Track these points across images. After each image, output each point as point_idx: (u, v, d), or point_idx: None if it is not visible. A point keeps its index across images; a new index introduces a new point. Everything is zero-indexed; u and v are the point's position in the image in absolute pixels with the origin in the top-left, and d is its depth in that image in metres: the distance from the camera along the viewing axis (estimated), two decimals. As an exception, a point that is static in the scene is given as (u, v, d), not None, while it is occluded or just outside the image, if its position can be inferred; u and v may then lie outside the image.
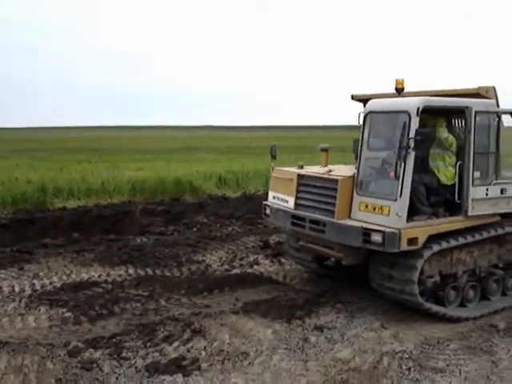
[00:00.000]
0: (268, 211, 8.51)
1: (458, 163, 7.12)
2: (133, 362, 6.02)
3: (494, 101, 7.24)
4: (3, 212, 13.90)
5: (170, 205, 15.82)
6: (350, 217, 7.18)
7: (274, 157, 8.59)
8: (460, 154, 7.18)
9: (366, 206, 6.98)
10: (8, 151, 36.74)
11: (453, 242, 7.05)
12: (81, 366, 5.87)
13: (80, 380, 5.61)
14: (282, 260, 10.09)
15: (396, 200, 6.58)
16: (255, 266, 9.82)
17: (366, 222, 6.89)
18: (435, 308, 7.08)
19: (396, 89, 7.15)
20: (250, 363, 5.96)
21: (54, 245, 10.97)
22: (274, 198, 8.49)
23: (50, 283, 8.64)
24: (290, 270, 9.58)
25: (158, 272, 9.34)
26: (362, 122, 7.31)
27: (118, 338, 6.57)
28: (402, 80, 7.16)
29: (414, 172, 7.00)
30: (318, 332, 6.78)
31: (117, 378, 5.69)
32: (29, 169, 21.97)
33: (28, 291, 8.20)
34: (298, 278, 9.15)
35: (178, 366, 5.88)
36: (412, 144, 6.39)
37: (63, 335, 6.69)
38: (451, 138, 7.27)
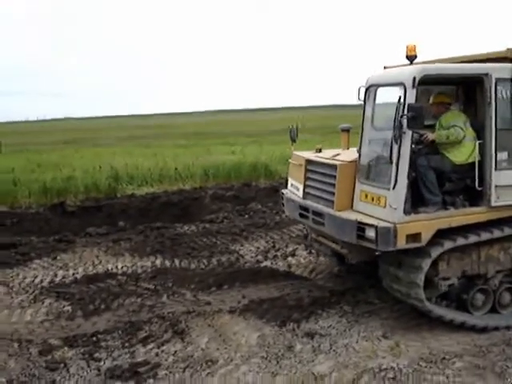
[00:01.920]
0: (284, 201, 7.78)
1: (477, 142, 5.90)
2: (101, 363, 5.71)
3: (522, 65, 5.88)
4: (72, 200, 14.32)
5: (241, 190, 15.44)
6: (352, 208, 6.28)
7: (293, 140, 7.80)
8: (481, 131, 5.93)
9: (366, 196, 6.05)
10: (113, 139, 38.64)
11: (473, 238, 5.87)
12: (46, 365, 5.67)
13: (33, 382, 5.41)
14: (321, 251, 9.27)
15: (392, 189, 5.59)
16: (289, 258, 9.11)
17: (366, 214, 5.97)
18: (450, 315, 5.99)
19: (407, 56, 6.04)
20: (211, 373, 5.39)
21: (97, 233, 11.03)
22: (291, 185, 7.73)
23: (73, 274, 8.60)
24: (322, 263, 8.76)
25: (182, 264, 8.98)
26: (362, 98, 6.32)
27: (99, 336, 6.30)
28: (414, 46, 6.02)
29: (419, 154, 5.96)
30: (308, 339, 6.01)
31: (76, 382, 5.43)
32: (123, 156, 22.73)
33: (44, 283, 8.23)
34: (326, 272, 8.32)
35: (135, 372, 5.47)
36: (405, 122, 5.34)
37: (50, 331, 6.55)
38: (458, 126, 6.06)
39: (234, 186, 16.00)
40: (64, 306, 7.28)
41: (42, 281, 8.34)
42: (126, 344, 6.11)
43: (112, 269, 8.82)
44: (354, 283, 7.63)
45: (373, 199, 5.89)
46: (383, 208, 5.69)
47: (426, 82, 5.63)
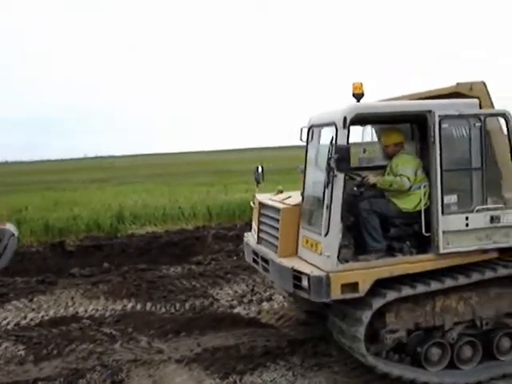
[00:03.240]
0: (244, 245, 7.50)
1: (422, 184, 5.53)
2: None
3: (474, 100, 5.51)
4: (73, 239, 14.33)
5: (243, 229, 15.16)
6: (297, 254, 5.95)
7: (258, 182, 7.53)
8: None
9: (307, 242, 5.72)
10: (141, 176, 39.05)
11: (421, 288, 5.44)
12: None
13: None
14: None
15: (325, 235, 5.25)
16: (264, 303, 8.77)
17: (307, 262, 5.64)
18: (397, 371, 5.52)
19: (353, 95, 5.74)
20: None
21: (81, 275, 10.94)
22: (252, 229, 7.46)
23: (42, 317, 8.50)
24: (294, 309, 8.34)
25: (153, 308, 8.75)
26: (305, 139, 6.06)
27: (40, 382, 6.16)
28: (361, 84, 5.73)
29: (363, 197, 5.63)
30: (245, 393, 5.65)
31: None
32: (140, 194, 22.85)
33: (10, 325, 8.13)
34: (295, 319, 7.90)
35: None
36: (333, 164, 5.04)
37: (-5, 377, 6.42)
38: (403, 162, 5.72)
39: (237, 225, 15.73)
40: (19, 350, 7.17)
41: (8, 323, 8.27)
42: (63, 394, 5.89)
43: (81, 312, 8.68)
44: (320, 332, 7.19)
45: (311, 245, 5.57)
46: (319, 255, 5.36)
47: (361, 122, 5.33)
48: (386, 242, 5.59)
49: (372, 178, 5.71)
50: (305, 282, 5.29)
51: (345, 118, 5.13)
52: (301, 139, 6.10)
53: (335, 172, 5.07)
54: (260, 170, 7.49)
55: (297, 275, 5.41)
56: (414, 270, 5.42)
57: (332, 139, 5.22)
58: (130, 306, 8.92)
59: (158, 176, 37.35)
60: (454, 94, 5.70)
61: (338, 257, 5.21)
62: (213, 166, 52.26)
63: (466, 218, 5.42)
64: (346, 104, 5.25)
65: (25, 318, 8.49)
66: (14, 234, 10.14)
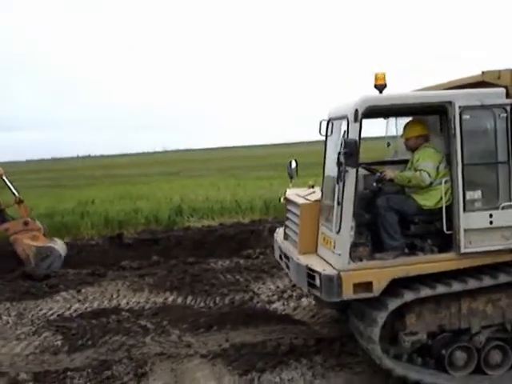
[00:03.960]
0: (274, 242, 7.41)
1: (444, 180, 5.21)
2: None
3: (499, 90, 5.13)
4: (131, 232, 14.73)
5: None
6: (316, 252, 5.81)
7: (291, 176, 7.42)
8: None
9: (324, 239, 5.57)
10: (212, 170, 39.61)
11: (441, 289, 5.15)
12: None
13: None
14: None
15: (337, 233, 5.09)
16: (303, 299, 8.64)
17: (324, 260, 5.49)
18: (416, 376, 5.26)
19: (375, 86, 5.49)
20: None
21: (130, 267, 11.24)
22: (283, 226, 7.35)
23: (86, 308, 8.80)
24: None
25: (192, 301, 8.85)
26: (324, 132, 5.88)
27: (69, 373, 6.34)
28: (383, 74, 5.48)
29: (381, 193, 5.41)
30: (261, 391, 5.60)
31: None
32: (206, 188, 23.19)
33: (54, 316, 8.47)
34: (329, 316, 7.74)
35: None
36: (343, 159, 4.86)
37: (29, 365, 6.68)
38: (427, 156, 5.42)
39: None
40: (56, 340, 7.43)
41: (52, 314, 8.60)
42: (88, 383, 6.07)
43: (123, 304, 8.90)
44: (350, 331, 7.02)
45: (327, 243, 5.41)
46: (332, 253, 5.20)
47: (377, 115, 5.09)
48: (404, 240, 5.33)
49: (390, 173, 5.46)
50: (317, 281, 5.16)
51: (356, 111, 4.92)
52: (320, 133, 5.92)
53: (345, 167, 4.89)
54: (294, 164, 7.36)
55: (310, 273, 5.28)
56: (432, 269, 5.14)
57: (344, 133, 5.03)
58: (171, 298, 9.06)
59: (227, 170, 37.75)
60: (479, 83, 5.33)
61: (350, 255, 5.03)
62: (265, 160, 51.95)
63: (490, 216, 5.07)
64: (358, 96, 5.03)
65: (69, 309, 8.81)
66: (61, 255, 10.65)
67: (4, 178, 11.44)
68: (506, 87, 5.25)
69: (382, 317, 5.09)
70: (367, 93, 5.09)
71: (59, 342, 7.34)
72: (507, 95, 5.22)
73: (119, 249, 13.41)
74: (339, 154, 4.87)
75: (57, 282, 10.25)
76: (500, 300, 5.45)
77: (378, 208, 5.36)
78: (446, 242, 5.25)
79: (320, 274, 5.07)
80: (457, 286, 5.17)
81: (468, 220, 5.05)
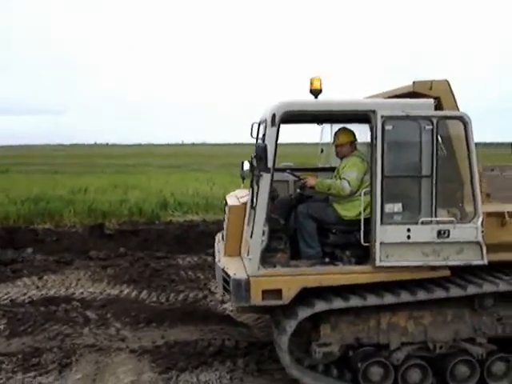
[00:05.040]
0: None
1: (363, 191, 5.11)
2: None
3: (428, 101, 5.01)
4: (112, 223, 14.77)
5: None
6: (240, 255, 5.74)
7: (243, 177, 7.29)
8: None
9: (244, 243, 5.51)
10: (211, 165, 39.68)
11: (355, 301, 5.06)
12: None
13: None
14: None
15: (250, 237, 5.03)
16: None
17: (243, 263, 5.43)
18: (326, 389, 5.17)
19: (311, 91, 5.39)
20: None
21: (97, 257, 11.26)
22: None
23: (41, 295, 8.85)
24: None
25: (145, 295, 8.85)
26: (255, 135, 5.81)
27: (1, 357, 6.39)
28: (319, 79, 5.39)
29: (304, 201, 5.35)
30: (174, 391, 5.57)
31: None
32: (201, 182, 23.22)
33: (6, 301, 8.52)
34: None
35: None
36: (255, 163, 4.79)
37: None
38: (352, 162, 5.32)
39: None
40: (0, 325, 7.46)
41: (6, 299, 8.66)
42: (15, 369, 6.14)
43: (77, 293, 8.96)
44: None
45: (245, 246, 5.35)
46: (247, 257, 5.14)
47: (299, 120, 5.00)
48: (321, 249, 5.26)
49: (311, 180, 5.38)
50: (230, 285, 5.10)
51: (273, 116, 4.85)
52: (251, 135, 5.84)
53: (257, 172, 4.82)
54: (247, 166, 7.27)
55: (225, 277, 5.23)
56: (346, 281, 5.05)
57: (263, 137, 4.97)
58: (126, 291, 9.08)
59: (228, 166, 37.72)
60: (413, 93, 5.22)
61: (260, 260, 4.96)
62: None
63: (408, 230, 4.95)
64: (278, 100, 4.95)
65: (24, 294, 8.88)
66: None
67: None
68: (438, 98, 5.14)
69: (291, 325, 5.03)
70: (289, 97, 5.00)
71: (2, 327, 7.41)
72: (439, 107, 5.11)
73: (99, 239, 13.46)
74: (251, 158, 4.80)
75: (21, 267, 10.33)
76: (423, 318, 5.34)
77: (298, 215, 5.29)
78: (365, 255, 5.15)
79: (230, 277, 5.01)
80: (372, 300, 5.07)
81: (385, 233, 4.94)
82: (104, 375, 5.95)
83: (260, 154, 4.68)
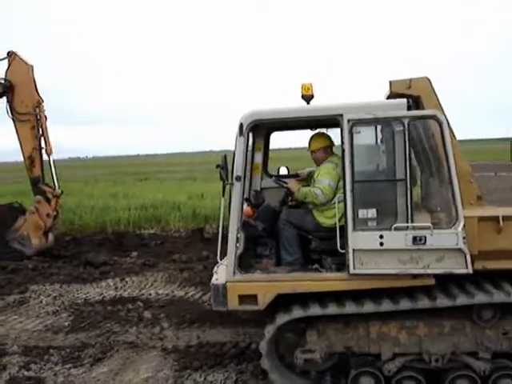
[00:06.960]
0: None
1: (337, 197, 5.01)
2: (16, 373, 6.51)
3: (400, 101, 4.77)
4: (212, 227, 15.43)
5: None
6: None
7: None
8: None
9: (231, 248, 5.66)
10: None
11: (333, 309, 4.98)
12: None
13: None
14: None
15: (226, 244, 5.20)
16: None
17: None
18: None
19: (303, 96, 5.43)
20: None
21: (180, 260, 11.92)
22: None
23: (115, 296, 9.60)
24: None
25: (205, 298, 9.24)
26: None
27: (51, 350, 7.16)
28: (310, 85, 5.41)
29: (281, 206, 5.41)
30: (181, 389, 5.91)
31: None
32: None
33: (81, 300, 9.43)
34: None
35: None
36: (220, 173, 4.95)
37: (28, 340, 7.57)
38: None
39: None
40: (66, 321, 8.35)
41: (83, 298, 9.58)
42: (58, 361, 6.85)
43: (145, 295, 9.60)
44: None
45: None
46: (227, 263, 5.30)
47: (271, 128, 5.05)
48: (300, 256, 5.24)
49: (293, 188, 5.37)
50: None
51: (241, 125, 4.96)
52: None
53: (223, 181, 4.99)
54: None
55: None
56: (321, 288, 5.00)
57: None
58: (190, 294, 9.51)
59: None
60: (396, 95, 5.01)
61: (236, 266, 5.10)
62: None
63: (381, 237, 4.75)
64: (248, 109, 5.05)
65: (100, 295, 9.74)
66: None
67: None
68: (418, 97, 4.89)
69: (269, 331, 5.10)
70: (258, 107, 5.07)
71: (67, 323, 8.24)
72: (420, 106, 4.87)
73: (201, 242, 14.14)
74: (216, 166, 4.96)
75: (108, 270, 11.32)
76: (416, 328, 5.09)
77: (279, 221, 5.33)
78: (345, 262, 5.04)
79: (211, 284, 5.22)
80: (351, 308, 4.96)
81: (357, 240, 4.80)
82: (127, 370, 6.42)
83: (222, 162, 4.83)
